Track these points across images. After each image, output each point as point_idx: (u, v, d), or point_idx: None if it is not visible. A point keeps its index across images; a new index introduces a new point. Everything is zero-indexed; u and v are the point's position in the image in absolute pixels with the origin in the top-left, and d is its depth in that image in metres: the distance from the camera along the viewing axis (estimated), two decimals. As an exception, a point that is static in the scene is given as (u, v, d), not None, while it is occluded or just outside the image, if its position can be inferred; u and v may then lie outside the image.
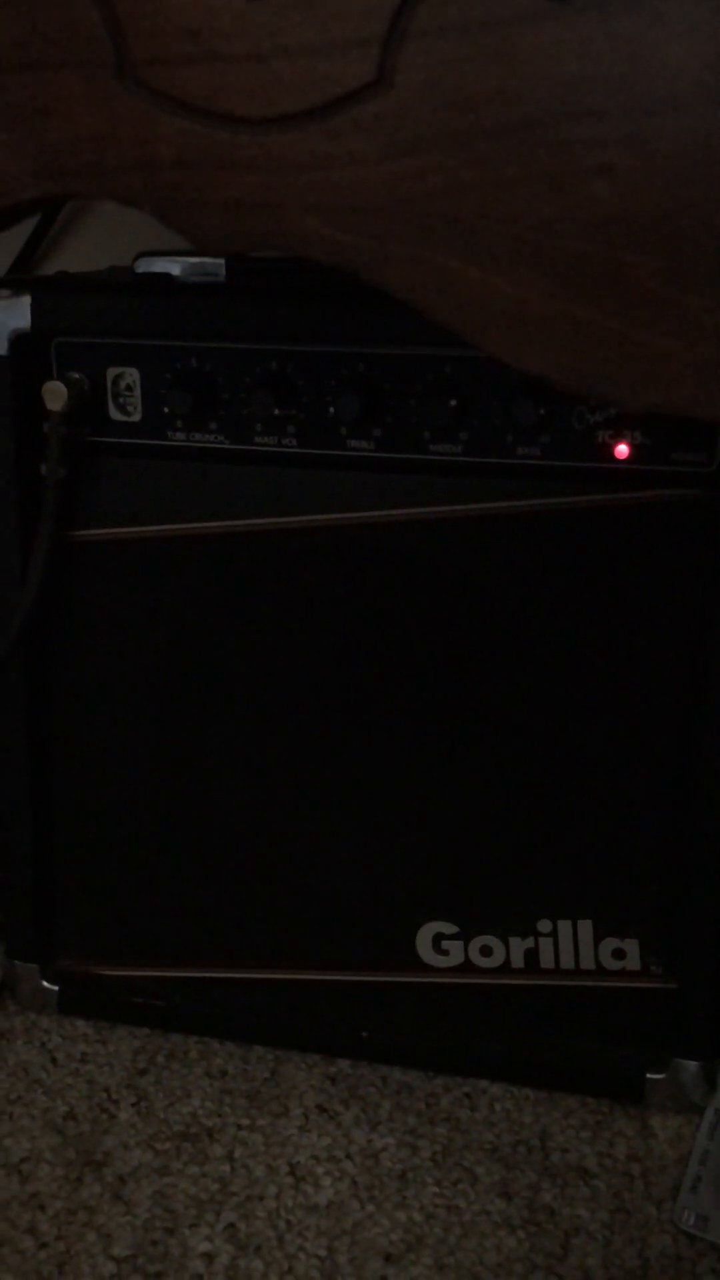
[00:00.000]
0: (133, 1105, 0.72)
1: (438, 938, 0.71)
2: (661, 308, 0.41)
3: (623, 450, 0.62)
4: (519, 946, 0.70)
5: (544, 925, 0.69)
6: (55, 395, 0.65)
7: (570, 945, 0.69)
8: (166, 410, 0.66)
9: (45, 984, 0.78)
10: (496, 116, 0.40)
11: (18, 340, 0.66)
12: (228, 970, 0.75)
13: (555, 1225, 0.64)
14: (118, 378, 0.67)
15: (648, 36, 0.38)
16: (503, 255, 0.41)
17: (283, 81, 0.41)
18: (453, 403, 0.63)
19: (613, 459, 0.62)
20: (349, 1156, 0.68)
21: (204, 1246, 0.63)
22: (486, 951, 0.71)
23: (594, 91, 0.39)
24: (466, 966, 0.71)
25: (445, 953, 0.71)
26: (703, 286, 0.40)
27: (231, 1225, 0.64)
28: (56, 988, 0.78)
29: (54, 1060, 0.75)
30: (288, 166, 0.42)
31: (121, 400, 0.67)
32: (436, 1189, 0.66)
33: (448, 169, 0.41)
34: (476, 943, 0.71)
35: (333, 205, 0.42)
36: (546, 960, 0.70)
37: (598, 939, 0.69)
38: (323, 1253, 0.62)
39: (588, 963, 0.69)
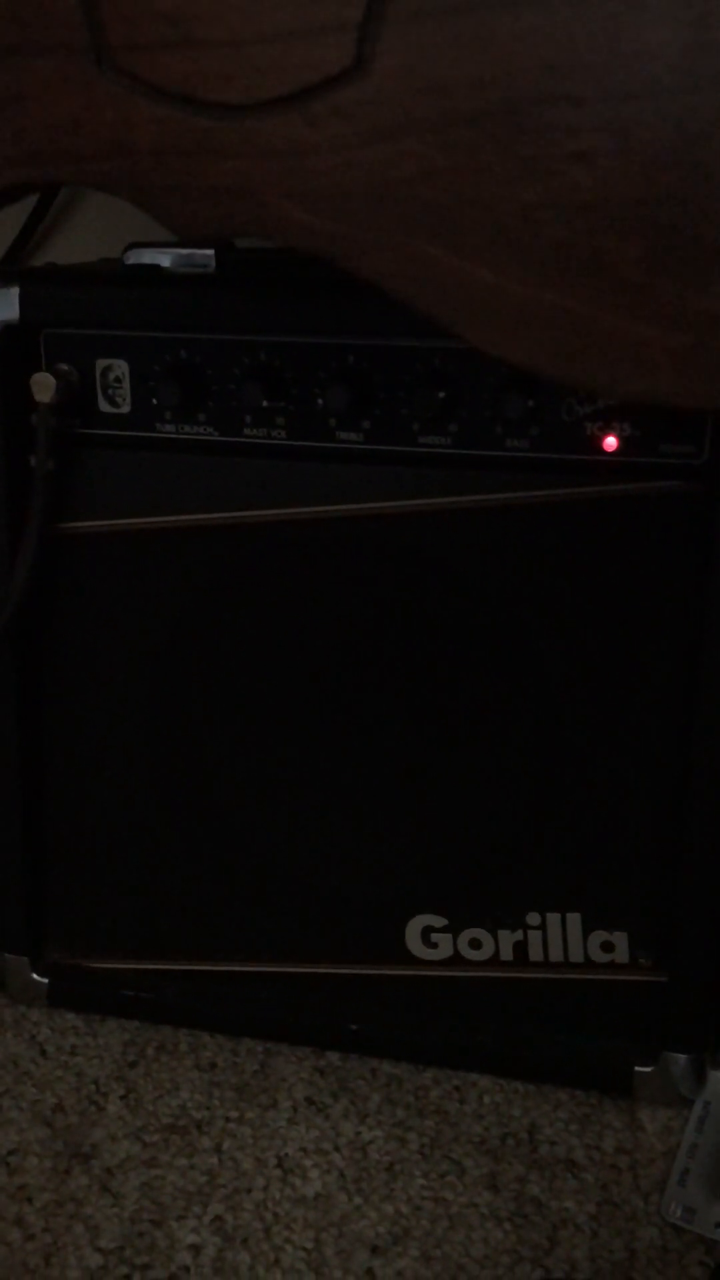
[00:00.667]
0: (121, 1098, 0.72)
1: (426, 930, 0.71)
2: (641, 295, 0.41)
3: (611, 442, 0.62)
4: (508, 939, 0.70)
5: (533, 918, 0.69)
6: (43, 387, 0.65)
7: (559, 938, 0.69)
8: (155, 402, 0.66)
9: (35, 976, 0.78)
10: (474, 102, 0.40)
11: (6, 332, 0.65)
12: (218, 963, 0.75)
13: (543, 1218, 0.64)
14: (106, 369, 0.67)
15: (626, 21, 0.38)
16: (481, 242, 0.41)
17: (260, 67, 0.41)
18: (442, 395, 0.62)
19: (602, 451, 0.62)
20: (337, 1149, 0.68)
21: (191, 1238, 0.63)
22: (475, 944, 0.71)
23: (572, 77, 0.39)
24: (455, 959, 0.71)
25: (434, 945, 0.71)
26: (682, 273, 0.40)
27: (219, 1217, 0.64)
28: (46, 980, 0.78)
29: (43, 1052, 0.75)
30: (266, 153, 0.42)
31: (110, 392, 0.67)
32: (424, 1181, 0.66)
33: (425, 155, 0.40)
34: (465, 935, 0.71)
35: (311, 192, 0.42)
36: (535, 953, 0.70)
37: (586, 932, 0.69)
38: (309, 1244, 0.62)
39: (576, 955, 0.69)
